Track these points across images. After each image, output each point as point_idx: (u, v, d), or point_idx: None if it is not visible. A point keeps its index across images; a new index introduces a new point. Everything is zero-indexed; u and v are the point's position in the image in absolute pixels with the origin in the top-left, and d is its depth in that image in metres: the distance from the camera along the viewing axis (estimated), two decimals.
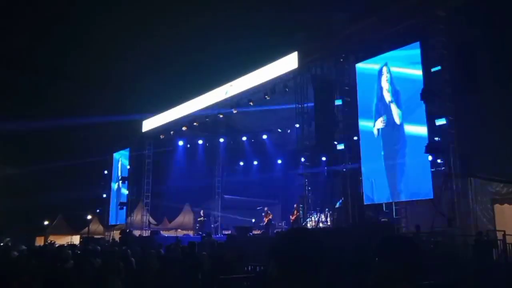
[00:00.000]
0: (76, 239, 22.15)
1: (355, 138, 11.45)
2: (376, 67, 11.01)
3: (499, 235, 8.47)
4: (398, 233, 8.90)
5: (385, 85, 10.75)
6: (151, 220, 19.57)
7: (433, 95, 9.36)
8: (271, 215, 14.92)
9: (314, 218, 12.62)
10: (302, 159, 12.67)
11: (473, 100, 9.76)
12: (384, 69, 10.79)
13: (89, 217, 22.17)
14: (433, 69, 9.48)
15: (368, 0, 12.47)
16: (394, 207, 11.01)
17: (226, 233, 15.64)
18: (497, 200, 9.81)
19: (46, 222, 24.33)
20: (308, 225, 12.33)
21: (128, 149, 20.16)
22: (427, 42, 9.82)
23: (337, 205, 11.94)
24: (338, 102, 11.69)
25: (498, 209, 9.76)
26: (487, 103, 9.60)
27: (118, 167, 21.06)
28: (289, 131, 15.67)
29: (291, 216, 14.20)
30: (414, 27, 10.06)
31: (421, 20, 9.93)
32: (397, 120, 10.36)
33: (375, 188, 10.64)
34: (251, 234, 13.76)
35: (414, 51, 10.09)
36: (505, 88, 9.49)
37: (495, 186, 9.91)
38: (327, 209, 12.92)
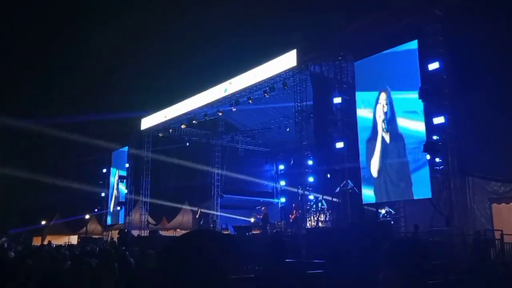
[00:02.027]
0: (74, 239, 22.08)
1: (354, 137, 11.45)
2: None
3: (497, 235, 8.49)
4: (405, 236, 8.89)
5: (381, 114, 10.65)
6: (150, 220, 19.52)
7: (431, 94, 9.36)
8: (262, 215, 14.92)
9: (314, 217, 12.62)
10: (301, 158, 12.65)
11: (471, 99, 9.76)
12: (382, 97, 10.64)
13: (87, 216, 22.08)
14: (430, 68, 9.48)
15: None
16: (393, 207, 11.02)
17: (225, 233, 15.61)
18: (495, 199, 9.84)
19: (43, 222, 24.22)
20: (308, 224, 12.34)
21: (126, 148, 20.07)
22: (425, 41, 9.82)
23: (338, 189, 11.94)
24: (337, 100, 11.68)
25: (495, 209, 9.79)
26: (485, 102, 9.61)
27: (116, 166, 20.97)
28: (288, 129, 15.66)
29: (290, 216, 14.20)
30: (412, 26, 10.05)
31: (419, 19, 9.92)
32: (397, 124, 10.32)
33: (374, 187, 10.64)
34: (250, 233, 13.75)
35: (414, 97, 9.51)
36: (502, 87, 9.50)
37: (493, 185, 9.94)
38: (326, 208, 12.93)
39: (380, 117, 10.60)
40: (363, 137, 11.04)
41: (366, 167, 10.79)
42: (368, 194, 10.76)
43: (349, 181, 10.91)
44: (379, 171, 10.42)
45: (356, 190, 10.87)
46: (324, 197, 12.38)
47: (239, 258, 1.02)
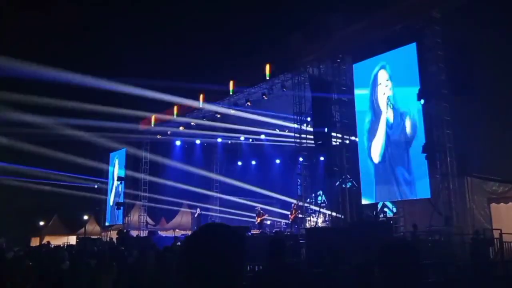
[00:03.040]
0: (72, 240, 21.98)
1: (353, 137, 11.49)
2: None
3: (496, 234, 8.52)
4: (397, 237, 8.91)
5: (382, 95, 10.57)
6: (149, 220, 19.48)
7: (430, 96, 9.42)
8: (263, 216, 14.89)
9: (313, 217, 12.64)
10: (300, 159, 12.67)
11: (470, 100, 9.82)
12: (382, 74, 10.59)
13: (85, 217, 22.01)
14: (429, 70, 9.53)
15: (365, 1, 12.53)
16: (392, 207, 11.04)
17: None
18: (493, 199, 9.88)
19: (41, 223, 24.12)
20: (307, 224, 12.35)
21: (125, 149, 20.05)
22: (423, 43, 9.87)
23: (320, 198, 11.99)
24: (335, 102, 11.73)
25: (494, 208, 9.83)
26: (483, 103, 9.67)
27: (114, 167, 20.94)
28: (287, 131, 15.69)
29: (290, 216, 14.21)
30: (410, 28, 10.10)
31: (417, 21, 9.99)
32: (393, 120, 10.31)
33: (373, 188, 10.66)
34: (249, 234, 13.74)
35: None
36: (500, 88, 9.56)
37: (491, 185, 9.99)
38: (325, 208, 12.96)
39: (384, 94, 10.41)
40: (362, 131, 10.96)
41: (366, 166, 10.73)
42: (367, 197, 10.72)
43: (347, 176, 10.91)
44: (382, 155, 10.22)
45: (355, 184, 10.88)
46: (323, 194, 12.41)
47: (247, 253, 1.02)
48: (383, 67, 10.65)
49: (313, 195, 12.64)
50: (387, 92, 10.45)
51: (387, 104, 10.40)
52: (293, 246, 9.26)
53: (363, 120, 11.02)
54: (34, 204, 22.42)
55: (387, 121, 10.35)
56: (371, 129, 10.75)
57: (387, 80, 10.51)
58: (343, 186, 10.96)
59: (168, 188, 18.91)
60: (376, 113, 10.66)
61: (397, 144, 10.07)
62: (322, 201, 12.83)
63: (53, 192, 20.96)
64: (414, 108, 9.75)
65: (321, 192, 12.85)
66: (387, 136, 10.31)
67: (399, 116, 10.08)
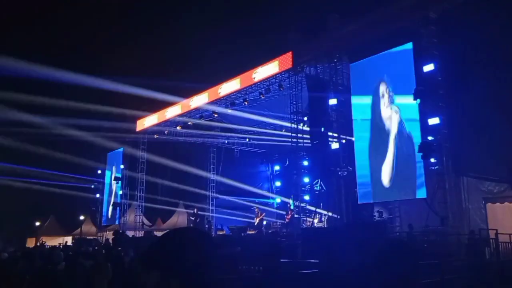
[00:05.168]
0: (68, 240, 21.85)
1: (349, 137, 11.51)
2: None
3: (492, 234, 8.57)
4: (394, 238, 8.94)
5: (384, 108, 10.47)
6: (145, 220, 19.41)
7: (426, 96, 9.45)
8: (262, 215, 14.90)
9: (310, 217, 12.65)
10: (297, 159, 12.66)
11: (465, 100, 9.87)
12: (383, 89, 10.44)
13: (81, 217, 21.88)
14: (425, 70, 9.57)
15: (362, 1, 12.55)
16: (388, 207, 11.08)
17: (221, 233, 15.57)
18: (489, 199, 9.93)
19: (37, 223, 23.95)
20: (305, 224, 12.36)
21: (121, 149, 19.95)
22: (420, 43, 9.91)
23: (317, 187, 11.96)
24: (332, 101, 11.74)
25: (490, 208, 9.88)
26: (479, 102, 9.71)
27: (111, 167, 20.84)
28: (283, 130, 15.69)
29: (286, 216, 14.21)
30: (407, 28, 10.14)
31: (414, 21, 10.02)
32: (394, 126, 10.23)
33: (370, 187, 10.67)
34: (245, 234, 13.72)
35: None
36: (496, 88, 9.61)
37: (487, 185, 10.03)
38: (322, 208, 12.97)
39: (387, 108, 10.20)
40: (361, 137, 10.90)
41: (369, 173, 10.61)
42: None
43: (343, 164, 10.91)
44: (391, 179, 9.98)
45: (350, 168, 10.87)
46: (321, 182, 12.39)
47: (217, 257, 0.99)
48: (382, 80, 10.54)
49: (310, 186, 12.60)
50: (391, 105, 10.30)
51: (391, 117, 10.18)
52: (289, 246, 9.25)
53: (362, 131, 10.94)
54: (30, 204, 22.27)
55: (396, 139, 10.07)
56: (376, 147, 10.47)
57: (387, 92, 10.42)
58: (340, 174, 10.95)
59: (164, 188, 18.84)
60: (380, 129, 10.44)
61: (403, 155, 9.95)
62: (320, 189, 12.77)
63: (49, 192, 20.82)
64: (414, 113, 9.73)
65: (318, 181, 12.80)
66: (396, 154, 10.06)
67: (404, 128, 9.97)
